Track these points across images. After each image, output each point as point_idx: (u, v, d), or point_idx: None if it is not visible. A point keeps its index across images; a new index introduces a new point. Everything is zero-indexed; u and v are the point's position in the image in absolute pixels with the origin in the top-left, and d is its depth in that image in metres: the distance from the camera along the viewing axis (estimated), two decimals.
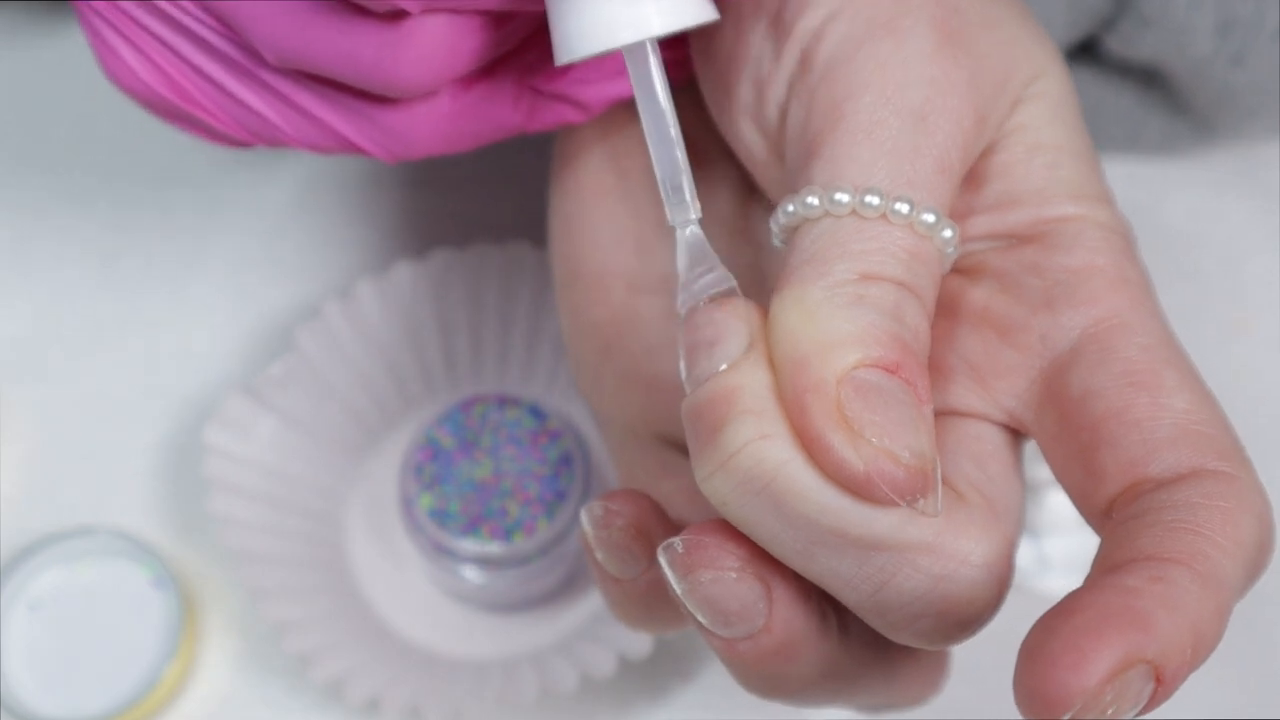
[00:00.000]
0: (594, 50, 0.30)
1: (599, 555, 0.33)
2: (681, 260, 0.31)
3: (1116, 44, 0.46)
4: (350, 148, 0.36)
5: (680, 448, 0.37)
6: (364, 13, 0.31)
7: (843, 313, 0.29)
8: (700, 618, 0.30)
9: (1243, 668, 0.49)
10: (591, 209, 0.39)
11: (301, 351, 0.50)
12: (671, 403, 0.35)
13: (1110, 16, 0.45)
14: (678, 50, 0.36)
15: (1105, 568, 0.28)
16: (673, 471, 0.38)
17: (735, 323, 0.29)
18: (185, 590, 0.49)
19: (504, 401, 0.49)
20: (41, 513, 0.51)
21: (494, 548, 0.47)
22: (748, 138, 0.34)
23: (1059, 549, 0.49)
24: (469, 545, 0.47)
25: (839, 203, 0.30)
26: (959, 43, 0.31)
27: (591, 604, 0.49)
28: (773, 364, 0.29)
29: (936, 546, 0.29)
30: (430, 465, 0.48)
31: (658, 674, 0.49)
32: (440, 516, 0.48)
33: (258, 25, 0.33)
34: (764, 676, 0.31)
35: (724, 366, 0.29)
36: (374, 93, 0.34)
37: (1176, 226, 0.54)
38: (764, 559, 0.30)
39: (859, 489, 0.28)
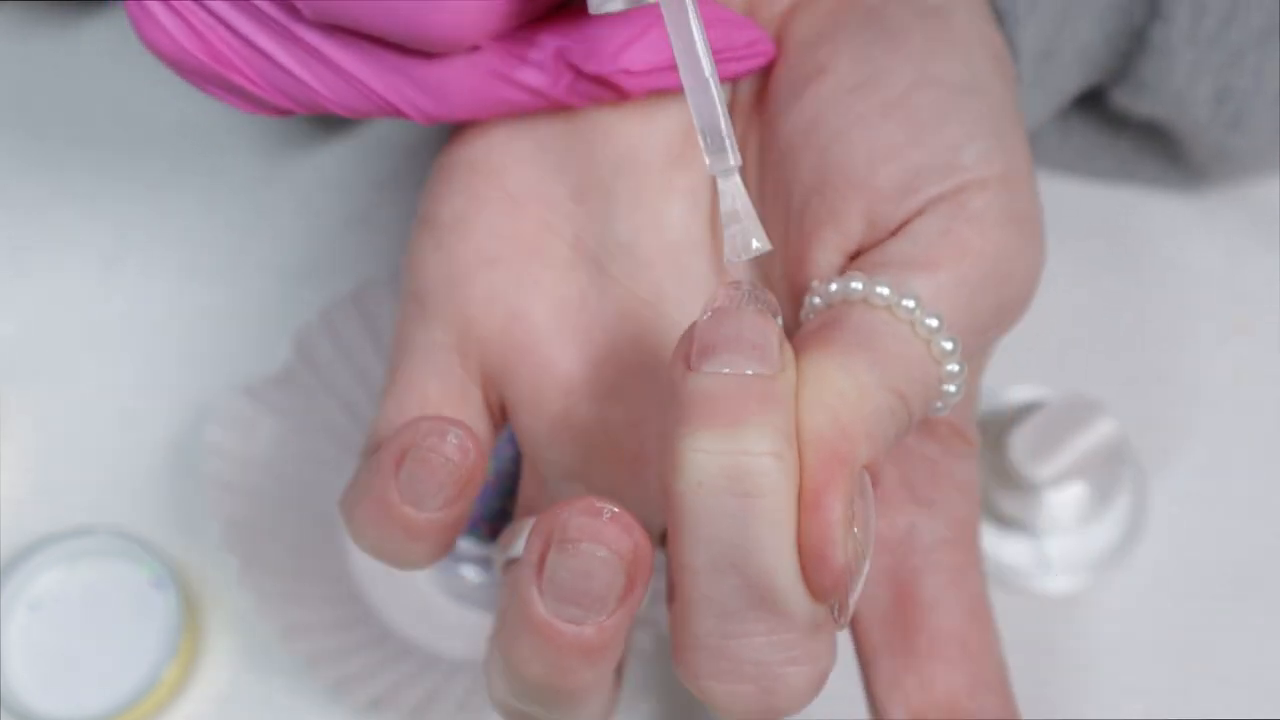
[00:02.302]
0: None
1: (408, 473, 0.32)
2: (724, 210, 0.31)
3: (1120, 97, 0.46)
4: (386, 109, 0.35)
5: (486, 391, 0.37)
6: None
7: (884, 413, 0.30)
8: (553, 584, 0.29)
9: (1243, 667, 0.49)
10: (556, 132, 0.38)
11: (301, 351, 0.50)
12: (524, 347, 0.36)
13: (1116, 72, 0.45)
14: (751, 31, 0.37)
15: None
16: (465, 409, 0.37)
17: (778, 342, 0.29)
18: (185, 590, 0.49)
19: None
20: (41, 513, 0.51)
21: (494, 548, 0.47)
22: (849, 214, 0.34)
23: (1059, 549, 0.49)
24: (469, 545, 0.47)
25: (879, 295, 0.32)
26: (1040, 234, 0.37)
27: None
28: (801, 400, 0.29)
29: (809, 637, 0.30)
30: None
31: (658, 673, 0.49)
32: None
33: None
34: (551, 664, 0.30)
35: (762, 372, 0.29)
36: (411, 47, 0.34)
37: (1176, 228, 0.54)
38: (646, 562, 0.30)
39: (823, 572, 0.29)
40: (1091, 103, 0.49)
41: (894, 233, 0.34)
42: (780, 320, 0.30)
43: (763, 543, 0.28)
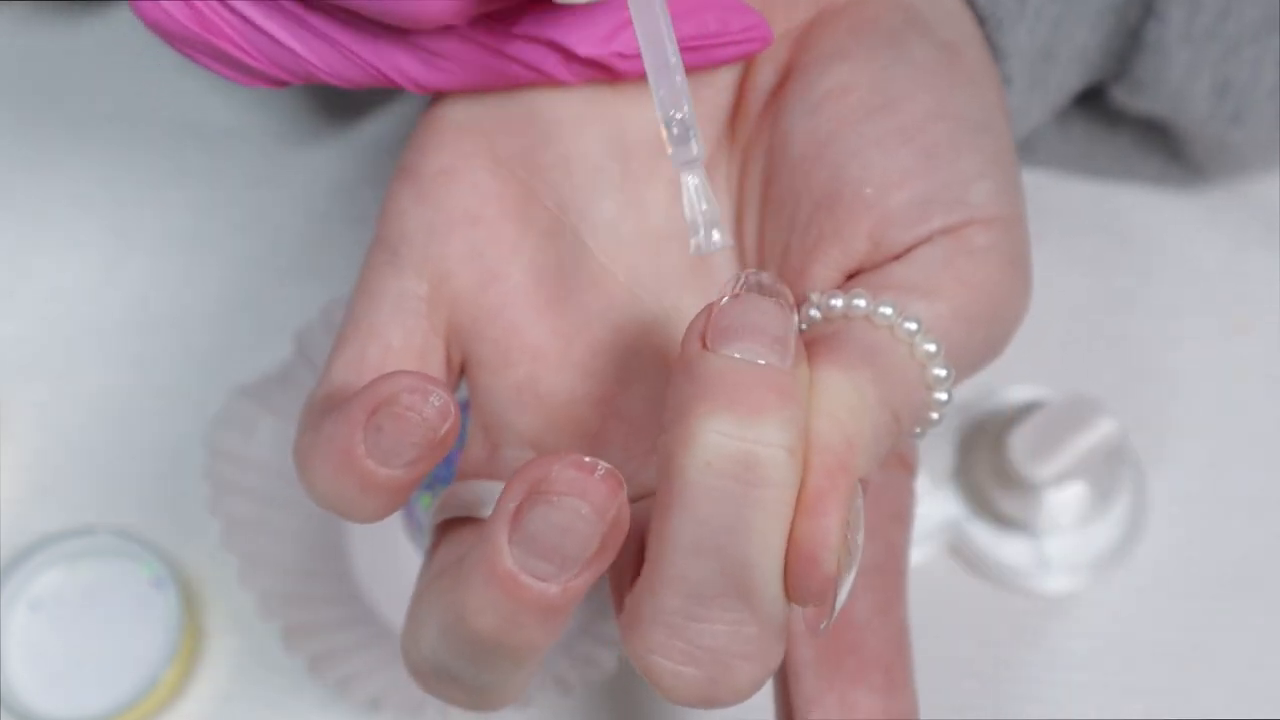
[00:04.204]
0: None
1: (379, 427, 0.31)
2: (686, 203, 0.31)
3: (1119, 94, 0.46)
4: (378, 78, 0.35)
5: (450, 347, 0.36)
6: None
7: (883, 430, 0.31)
8: (525, 535, 0.29)
9: (1243, 667, 0.49)
10: (555, 103, 0.37)
11: (301, 351, 0.50)
12: (495, 306, 0.36)
13: (1114, 73, 0.45)
14: (750, 18, 0.36)
15: None
16: (425, 363, 0.36)
17: (792, 335, 0.29)
18: (185, 590, 0.49)
19: None
20: (41, 513, 0.51)
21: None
22: (855, 234, 0.35)
23: (1059, 549, 0.49)
24: None
25: (882, 315, 0.32)
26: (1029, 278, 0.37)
27: (593, 602, 0.49)
28: (813, 408, 0.30)
29: (770, 635, 0.30)
30: None
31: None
32: None
33: None
34: (506, 618, 0.29)
35: (778, 362, 0.29)
36: (389, 24, 0.34)
37: (1177, 227, 0.54)
38: (622, 528, 0.29)
39: (810, 575, 0.29)
40: (1091, 100, 0.49)
41: (897, 257, 0.34)
42: (796, 313, 0.30)
43: (755, 533, 0.28)
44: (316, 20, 0.35)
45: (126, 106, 0.57)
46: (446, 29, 0.35)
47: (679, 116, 0.30)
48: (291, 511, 0.50)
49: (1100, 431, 0.47)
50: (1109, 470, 0.49)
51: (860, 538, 0.30)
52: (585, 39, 0.35)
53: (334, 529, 0.51)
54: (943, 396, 0.33)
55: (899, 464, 0.39)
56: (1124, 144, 0.51)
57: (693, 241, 0.31)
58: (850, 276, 0.35)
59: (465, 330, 0.36)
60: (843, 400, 0.30)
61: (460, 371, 0.37)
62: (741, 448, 0.28)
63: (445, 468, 0.48)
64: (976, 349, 0.34)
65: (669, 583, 0.29)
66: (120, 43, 0.57)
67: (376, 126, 0.56)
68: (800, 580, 0.29)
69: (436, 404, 0.31)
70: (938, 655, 0.48)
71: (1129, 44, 0.44)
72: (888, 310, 0.32)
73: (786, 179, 0.36)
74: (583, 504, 0.29)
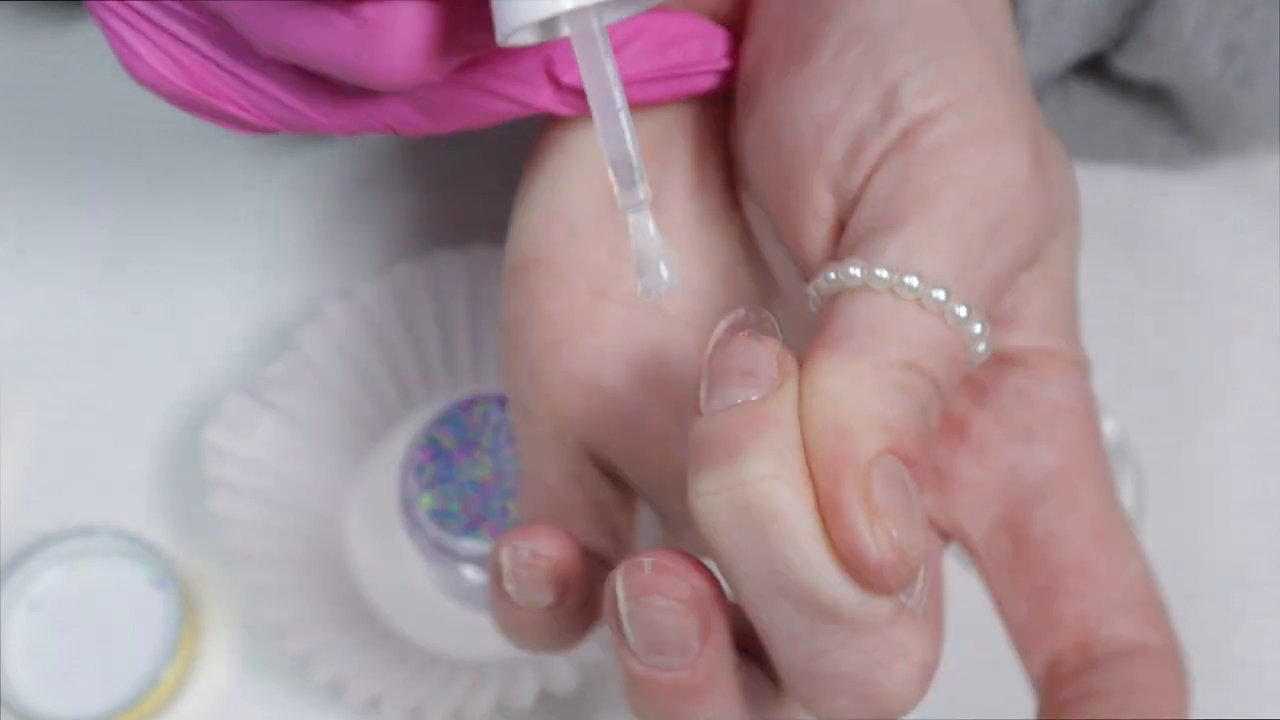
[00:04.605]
0: (534, 17, 0.29)
1: (509, 588, 0.34)
2: (634, 246, 0.30)
3: (1123, 62, 0.46)
4: (376, 126, 0.36)
5: (599, 461, 0.38)
6: (331, 8, 0.31)
7: (888, 396, 0.29)
8: (634, 640, 0.30)
9: (1243, 667, 0.49)
10: (578, 203, 0.38)
11: (301, 351, 0.50)
12: (607, 413, 0.36)
13: (1119, 35, 0.45)
14: (731, 57, 0.36)
15: None
16: (583, 483, 0.38)
17: (772, 360, 0.29)
18: (185, 590, 0.49)
19: (504, 401, 0.49)
20: (41, 513, 0.51)
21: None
22: (816, 196, 0.33)
23: None
24: (469, 545, 0.47)
25: (879, 278, 0.30)
26: (1043, 168, 0.32)
27: None
28: (803, 416, 0.29)
29: (887, 635, 0.29)
30: (430, 465, 0.48)
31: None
32: (440, 516, 0.48)
33: (241, 24, 0.32)
34: (666, 712, 0.31)
35: (755, 397, 0.29)
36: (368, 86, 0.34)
37: (1177, 227, 0.54)
38: (713, 597, 0.30)
39: (865, 572, 0.28)
40: (1094, 72, 0.48)
41: (858, 200, 0.32)
42: (778, 337, 0.30)
43: (794, 562, 0.28)
44: (305, 76, 0.35)
45: (126, 106, 0.56)
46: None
47: (625, 161, 0.30)
48: (291, 511, 0.50)
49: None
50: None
51: (915, 507, 0.29)
52: (572, 66, 0.35)
53: (333, 529, 0.51)
54: (977, 329, 0.31)
55: (1047, 360, 0.35)
56: (1129, 119, 0.51)
57: (640, 282, 0.30)
58: (842, 232, 0.33)
59: (597, 444, 0.37)
60: (823, 390, 0.29)
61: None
62: (730, 497, 0.28)
63: (447, 468, 0.48)
64: (979, 246, 0.31)
65: (771, 639, 0.29)
66: None
67: None
68: (861, 579, 0.28)
69: (525, 554, 0.34)
70: None
71: (1138, 2, 0.44)
72: (883, 273, 0.30)
73: (761, 175, 0.35)
74: (654, 598, 0.29)
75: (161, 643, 0.48)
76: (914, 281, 0.30)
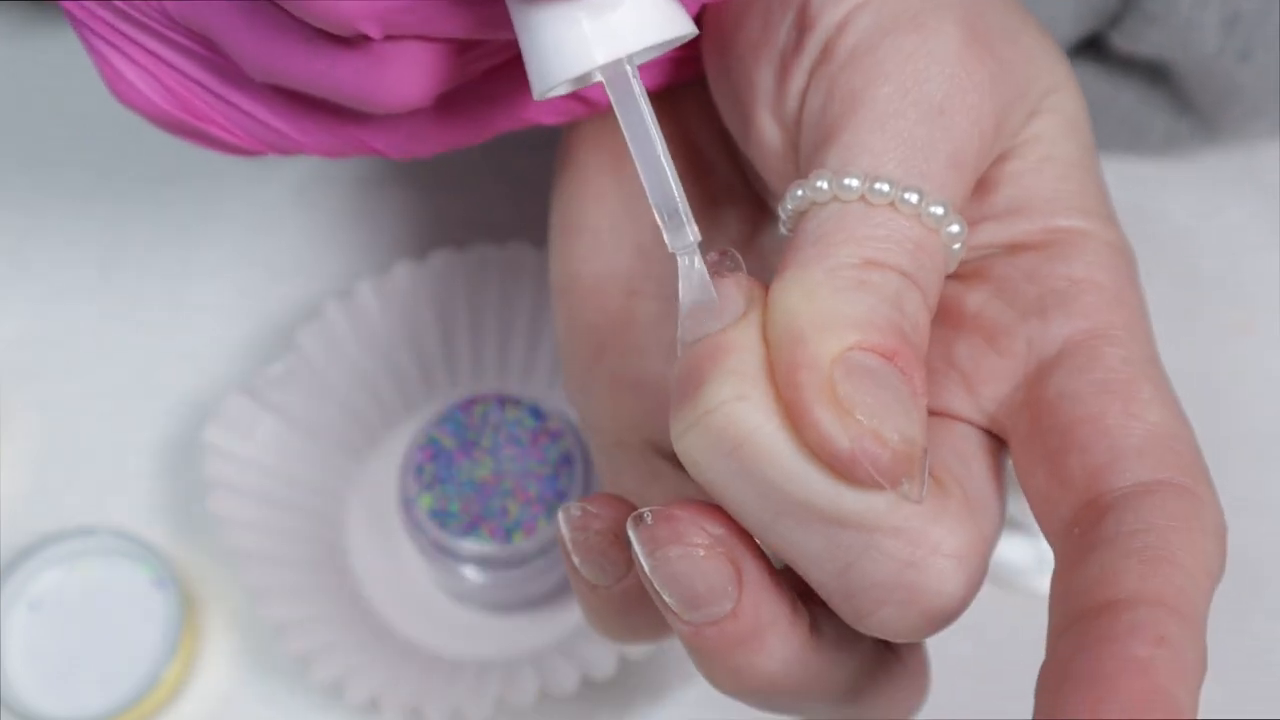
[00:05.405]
0: (569, 74, 0.29)
1: (575, 559, 0.32)
2: (684, 287, 0.30)
3: (1121, 41, 0.46)
4: (362, 149, 0.36)
5: (669, 455, 0.37)
6: (334, 37, 0.31)
7: (843, 295, 0.28)
8: (666, 598, 0.29)
9: (1243, 667, 0.49)
10: (592, 212, 0.39)
11: (301, 351, 0.50)
12: (662, 407, 0.35)
13: (1116, 13, 0.45)
14: (688, 48, 0.36)
15: (1085, 604, 0.28)
16: (661, 479, 0.38)
17: (735, 291, 0.29)
18: (185, 590, 0.49)
19: (504, 401, 0.49)
20: (41, 513, 0.51)
21: (494, 548, 0.47)
22: (765, 131, 0.33)
23: None
24: (469, 545, 0.47)
25: (848, 188, 0.29)
26: (983, 45, 0.31)
27: None
28: (767, 339, 0.28)
29: (907, 531, 0.28)
30: (430, 465, 0.48)
31: (658, 674, 0.49)
32: (440, 516, 0.48)
33: (235, 49, 0.32)
34: (730, 669, 0.30)
35: (717, 328, 0.28)
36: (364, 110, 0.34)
37: (1176, 226, 0.54)
38: (736, 540, 0.29)
39: (841, 467, 0.27)
40: (1093, 53, 0.48)
41: (799, 123, 0.32)
42: (742, 269, 0.29)
43: (775, 478, 0.28)
44: (292, 99, 0.35)
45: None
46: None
47: (671, 203, 0.30)
48: (291, 511, 0.50)
49: None
50: None
51: (895, 394, 0.28)
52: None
53: (333, 529, 0.51)
54: (954, 229, 0.30)
55: (1055, 239, 0.33)
56: (1129, 101, 0.51)
57: (682, 325, 0.30)
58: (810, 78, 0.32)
59: (659, 437, 0.37)
60: (781, 306, 0.28)
61: None
62: (701, 429, 0.28)
63: (447, 468, 0.48)
64: (922, 136, 0.30)
65: (800, 567, 0.29)
66: None
67: None
68: (843, 470, 0.28)
69: (575, 515, 0.32)
70: (937, 655, 0.48)
71: None
72: (853, 182, 0.29)
73: (730, 124, 0.36)
74: (667, 549, 0.29)
75: (161, 643, 0.48)
76: (885, 187, 0.29)
